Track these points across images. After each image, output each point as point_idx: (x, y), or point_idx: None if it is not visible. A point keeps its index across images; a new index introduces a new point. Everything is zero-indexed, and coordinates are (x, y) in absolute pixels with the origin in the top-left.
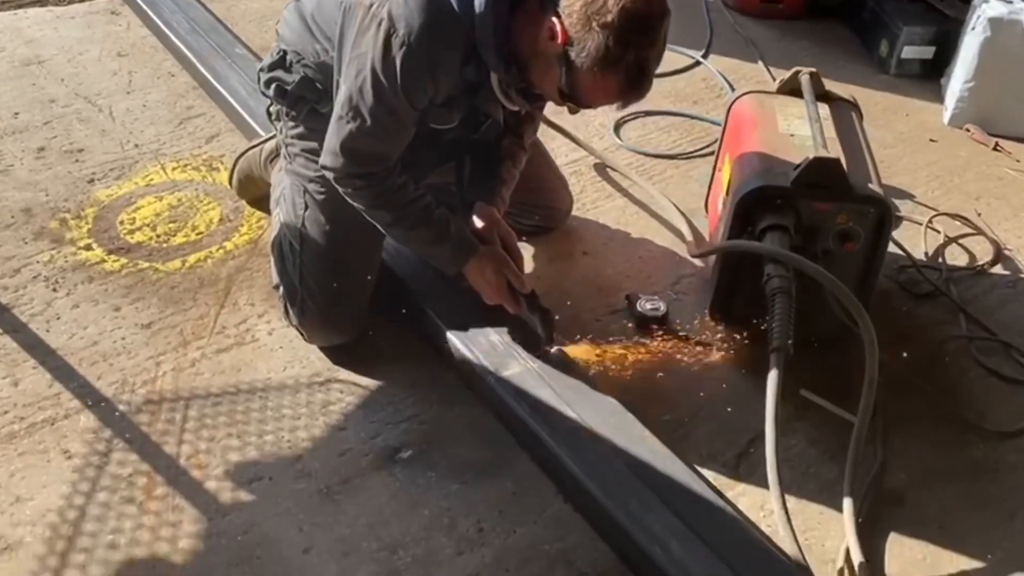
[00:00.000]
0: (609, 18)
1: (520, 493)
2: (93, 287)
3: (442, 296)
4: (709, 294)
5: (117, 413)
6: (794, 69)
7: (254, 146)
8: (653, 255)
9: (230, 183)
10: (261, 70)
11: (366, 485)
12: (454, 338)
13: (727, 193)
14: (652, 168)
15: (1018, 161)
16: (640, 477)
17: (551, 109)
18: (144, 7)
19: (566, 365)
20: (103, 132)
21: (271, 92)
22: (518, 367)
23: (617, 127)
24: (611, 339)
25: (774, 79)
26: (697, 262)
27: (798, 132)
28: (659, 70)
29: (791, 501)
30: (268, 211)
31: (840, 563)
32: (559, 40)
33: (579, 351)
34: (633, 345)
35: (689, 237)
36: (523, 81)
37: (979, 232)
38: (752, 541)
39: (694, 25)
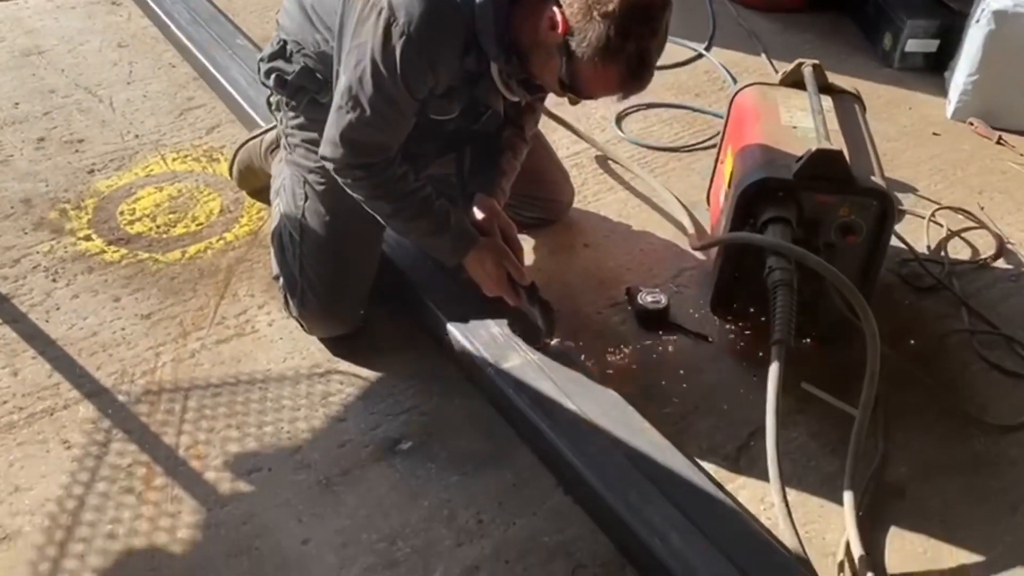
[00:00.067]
0: (610, 7)
1: (520, 485)
2: (93, 277)
3: (442, 288)
4: (710, 287)
5: (116, 403)
6: (797, 61)
7: (254, 137)
8: (654, 248)
9: (230, 174)
10: (261, 60)
11: (366, 476)
12: (454, 330)
13: (729, 185)
14: (654, 161)
15: (1022, 155)
16: (640, 469)
17: (553, 101)
18: None
19: (566, 357)
20: (103, 123)
21: (271, 82)
22: (518, 359)
23: (619, 119)
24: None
25: (777, 72)
26: (699, 255)
27: (801, 124)
28: (661, 62)
29: (791, 494)
30: (268, 202)
31: (840, 556)
32: (560, 30)
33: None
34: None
35: (691, 230)
36: (524, 71)
37: (982, 226)
38: (752, 534)
39: (697, 17)
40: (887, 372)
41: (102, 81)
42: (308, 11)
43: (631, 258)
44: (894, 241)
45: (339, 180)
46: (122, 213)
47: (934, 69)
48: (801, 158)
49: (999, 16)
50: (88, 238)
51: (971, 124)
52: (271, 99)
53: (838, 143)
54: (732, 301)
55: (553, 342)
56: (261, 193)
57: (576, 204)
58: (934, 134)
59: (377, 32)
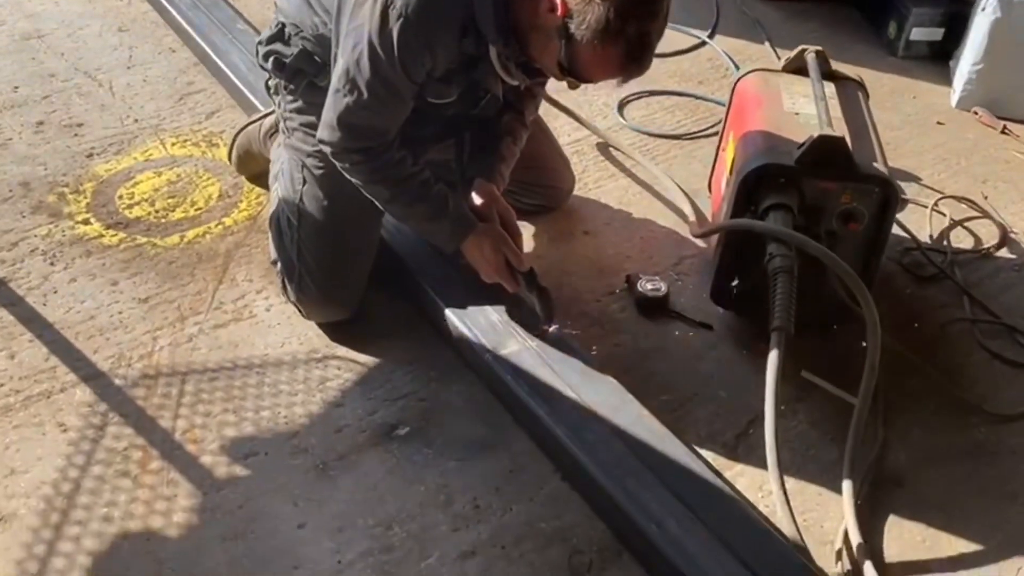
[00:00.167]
0: None
1: (517, 471)
2: (91, 261)
3: (441, 274)
4: (711, 275)
5: (113, 387)
6: (800, 47)
7: (253, 121)
8: (655, 236)
9: (229, 159)
10: (259, 43)
11: (362, 461)
12: (452, 316)
13: (731, 172)
14: (656, 148)
15: None
16: (638, 456)
17: (554, 87)
18: None
19: (565, 344)
20: (103, 107)
21: (269, 65)
22: (516, 345)
23: (621, 106)
24: None
25: (780, 60)
26: (699, 243)
27: (803, 111)
28: (664, 49)
29: (790, 482)
30: (267, 187)
31: (839, 544)
32: (559, 12)
33: None
34: None
35: (692, 217)
36: (523, 55)
37: (985, 215)
38: (750, 521)
39: (700, 5)
40: (888, 361)
41: (102, 65)
42: None
43: (631, 246)
44: (896, 230)
45: (337, 164)
46: (121, 197)
47: (939, 58)
48: (803, 144)
49: (1005, 4)
50: (86, 222)
51: (975, 113)
52: (269, 83)
53: (840, 130)
54: (732, 289)
55: (552, 329)
56: (260, 178)
57: (577, 191)
58: (938, 123)
59: (375, 14)
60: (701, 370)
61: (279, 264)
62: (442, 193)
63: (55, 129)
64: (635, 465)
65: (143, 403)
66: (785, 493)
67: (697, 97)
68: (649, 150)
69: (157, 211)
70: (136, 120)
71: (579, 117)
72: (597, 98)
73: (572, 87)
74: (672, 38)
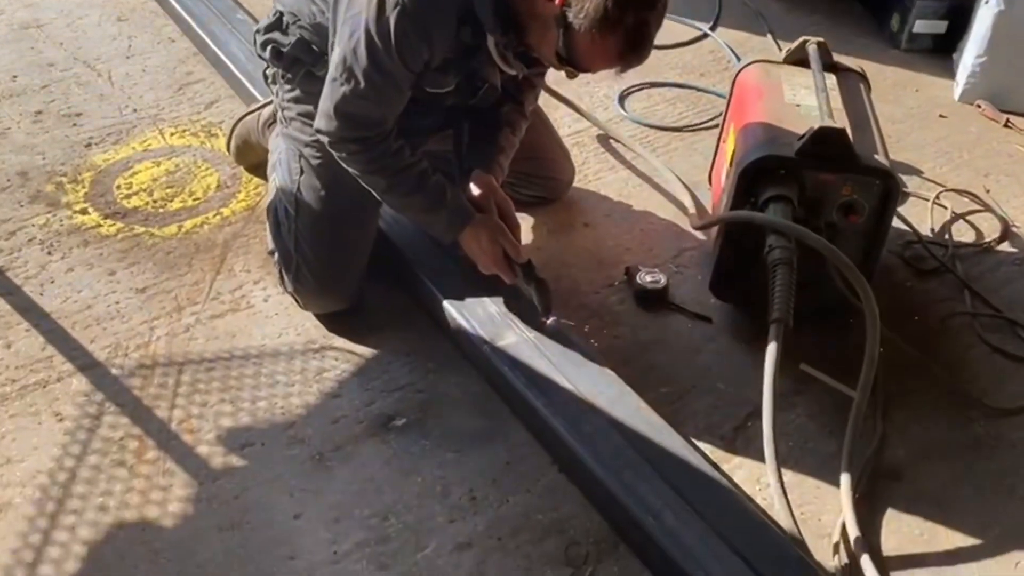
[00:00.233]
0: None
1: (514, 462)
2: (88, 251)
3: (439, 265)
4: (710, 267)
5: (110, 377)
6: (801, 38)
7: (252, 111)
8: (655, 228)
9: (228, 149)
10: (257, 32)
11: (359, 452)
12: (450, 307)
13: (731, 164)
14: (656, 140)
15: None
16: (635, 448)
17: (554, 78)
18: None
19: (563, 336)
20: (101, 97)
21: (267, 54)
22: (514, 337)
23: (622, 98)
24: None
25: (782, 52)
26: (699, 235)
27: (804, 102)
28: (666, 41)
29: (788, 475)
30: (266, 177)
31: (836, 537)
32: (557, 1)
33: None
34: None
35: (692, 209)
36: (521, 44)
37: (987, 209)
38: (746, 513)
39: None
40: (887, 354)
41: (101, 55)
42: None
43: (631, 238)
44: (897, 223)
45: (334, 154)
46: (119, 187)
47: (942, 51)
48: (803, 136)
49: None
50: (84, 211)
51: (979, 106)
52: (267, 72)
53: (841, 121)
54: (732, 282)
55: (549, 320)
56: (259, 168)
57: (576, 183)
58: (941, 116)
59: (372, 3)
60: (700, 362)
61: (276, 254)
62: (440, 184)
63: (54, 119)
64: (632, 457)
65: (139, 393)
66: (783, 486)
67: (698, 89)
68: (650, 142)
69: (155, 201)
70: (135, 110)
71: (580, 108)
72: (598, 89)
73: (570, 77)
74: (674, 30)
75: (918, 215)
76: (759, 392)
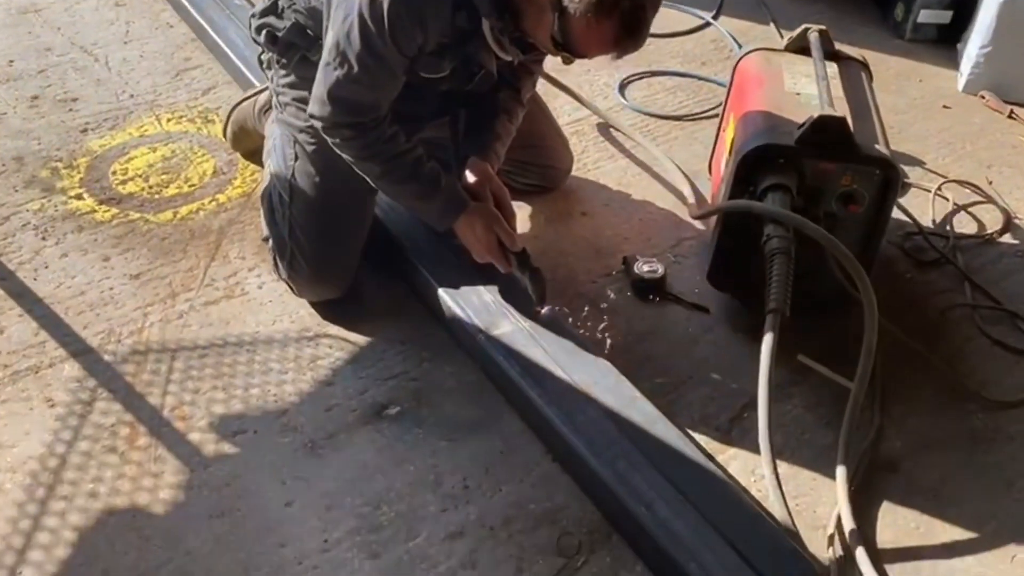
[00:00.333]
0: None
1: (508, 452)
2: (83, 237)
3: (434, 253)
4: (708, 257)
5: (102, 363)
6: (803, 26)
7: (248, 98)
8: (654, 217)
9: (224, 135)
10: (252, 16)
11: (352, 440)
12: (445, 296)
13: (730, 152)
14: (656, 129)
15: None
16: (629, 438)
17: (554, 65)
18: None
19: (558, 325)
20: (98, 82)
21: (262, 39)
22: (509, 326)
23: (622, 87)
24: None
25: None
26: (698, 225)
27: (804, 91)
28: (668, 30)
29: (784, 467)
30: (262, 164)
31: (831, 530)
32: None
33: None
34: None
35: (691, 199)
36: (516, 29)
37: (989, 200)
38: (740, 504)
39: None
40: (885, 345)
41: (98, 40)
42: None
43: (629, 227)
44: (898, 214)
45: (328, 140)
46: (114, 173)
47: (946, 41)
48: (803, 124)
49: None
50: (79, 197)
51: (982, 97)
52: (262, 56)
53: (842, 110)
54: (730, 272)
55: (544, 310)
56: (255, 155)
57: (575, 172)
58: (944, 107)
59: None
60: (696, 353)
61: (271, 241)
62: (434, 171)
63: (50, 104)
64: (626, 447)
65: (132, 379)
66: (778, 477)
67: (700, 78)
68: (650, 131)
69: (151, 187)
70: (132, 95)
71: (579, 97)
72: (598, 78)
73: (566, 62)
74: (676, 18)
75: (920, 206)
76: (755, 383)
